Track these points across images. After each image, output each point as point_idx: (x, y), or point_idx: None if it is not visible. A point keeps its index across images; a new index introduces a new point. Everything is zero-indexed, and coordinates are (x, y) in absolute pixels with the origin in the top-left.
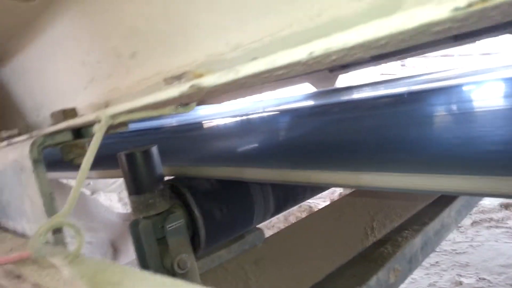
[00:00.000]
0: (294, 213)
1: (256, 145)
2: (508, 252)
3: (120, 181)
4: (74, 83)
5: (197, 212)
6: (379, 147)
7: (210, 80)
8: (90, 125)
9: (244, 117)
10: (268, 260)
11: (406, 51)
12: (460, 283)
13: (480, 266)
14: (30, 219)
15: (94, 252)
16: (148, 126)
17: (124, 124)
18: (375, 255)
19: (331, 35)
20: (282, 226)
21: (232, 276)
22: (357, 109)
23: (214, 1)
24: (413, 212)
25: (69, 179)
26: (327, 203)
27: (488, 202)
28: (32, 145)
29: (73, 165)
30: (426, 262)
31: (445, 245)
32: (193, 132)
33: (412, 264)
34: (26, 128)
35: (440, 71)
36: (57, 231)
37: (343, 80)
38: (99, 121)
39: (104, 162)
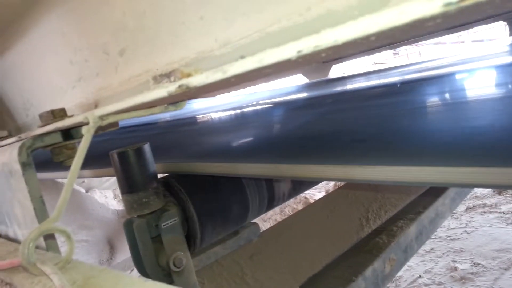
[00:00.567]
0: (290, 204)
1: (249, 139)
2: (502, 237)
3: (115, 178)
4: (62, 82)
5: (191, 209)
6: (371, 139)
7: (198, 80)
8: (79, 125)
9: (238, 111)
10: (264, 255)
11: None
12: (455, 268)
13: (474, 251)
14: (21, 224)
15: (91, 250)
16: (139, 122)
17: (114, 124)
18: (371, 246)
19: (321, 32)
20: (278, 218)
21: (227, 272)
22: (348, 101)
23: None
24: (407, 202)
25: (65, 179)
26: (322, 193)
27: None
28: (21, 148)
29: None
30: (421, 249)
31: (440, 231)
32: (186, 127)
33: (408, 253)
34: (16, 129)
35: (432, 60)
36: (49, 236)
37: (337, 70)
38: (87, 123)
39: (97, 160)
